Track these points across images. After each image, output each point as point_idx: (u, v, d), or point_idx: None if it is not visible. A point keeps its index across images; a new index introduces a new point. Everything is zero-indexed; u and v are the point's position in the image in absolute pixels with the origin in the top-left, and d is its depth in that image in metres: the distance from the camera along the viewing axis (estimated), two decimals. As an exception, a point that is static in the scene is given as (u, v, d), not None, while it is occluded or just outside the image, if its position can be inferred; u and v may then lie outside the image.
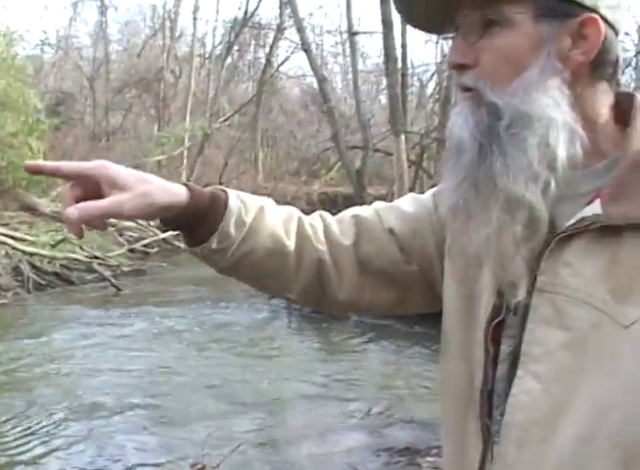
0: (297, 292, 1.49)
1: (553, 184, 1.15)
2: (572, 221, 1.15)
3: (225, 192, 1.40)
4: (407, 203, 1.55)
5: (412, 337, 11.54)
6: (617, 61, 1.21)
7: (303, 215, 1.52)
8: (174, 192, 1.30)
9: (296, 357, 10.42)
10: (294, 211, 1.52)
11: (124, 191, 1.24)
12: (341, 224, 1.52)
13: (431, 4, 1.24)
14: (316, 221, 1.52)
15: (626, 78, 22.96)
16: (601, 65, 1.19)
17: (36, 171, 1.24)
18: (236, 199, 1.40)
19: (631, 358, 1.07)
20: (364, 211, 1.55)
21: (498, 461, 1.21)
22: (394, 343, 11.32)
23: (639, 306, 1.08)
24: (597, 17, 1.15)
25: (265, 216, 1.43)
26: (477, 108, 1.20)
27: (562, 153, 1.15)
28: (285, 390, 8.88)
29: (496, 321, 1.24)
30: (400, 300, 1.54)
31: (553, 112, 1.15)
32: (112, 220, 1.29)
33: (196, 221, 1.34)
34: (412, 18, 1.31)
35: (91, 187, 1.24)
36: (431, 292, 1.52)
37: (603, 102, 1.22)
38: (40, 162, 1.19)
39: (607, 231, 1.12)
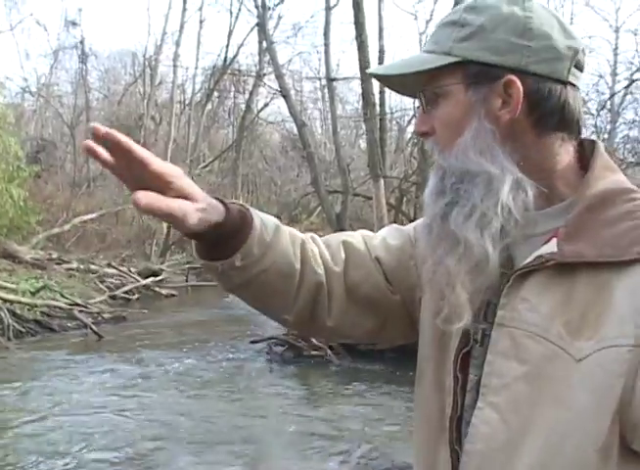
0: (293, 314, 1.51)
1: (504, 226, 1.25)
2: (530, 259, 1.23)
3: (248, 209, 1.41)
4: (392, 234, 1.61)
5: (391, 380, 11.55)
6: (565, 108, 1.28)
7: (303, 236, 1.55)
8: (220, 210, 1.33)
9: (276, 402, 10.39)
10: (296, 232, 1.54)
11: (191, 201, 1.26)
12: (330, 249, 1.55)
13: (403, 83, 1.40)
14: (312, 245, 1.54)
15: (601, 120, 23.23)
16: (541, 117, 1.27)
17: (123, 150, 1.18)
18: (257, 217, 1.41)
19: (582, 390, 1.13)
20: (352, 237, 1.59)
21: None
22: (373, 386, 11.31)
23: (590, 341, 1.14)
24: (514, 77, 1.25)
25: (281, 236, 1.45)
26: (437, 169, 1.35)
27: (507, 200, 1.24)
28: (265, 434, 8.86)
29: (464, 351, 1.32)
30: (380, 327, 1.58)
31: (490, 167, 1.25)
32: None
33: (224, 238, 1.35)
34: (391, 88, 1.49)
35: (155, 185, 1.22)
36: (409, 321, 1.56)
37: (556, 150, 1.30)
38: (132, 145, 1.18)
39: (562, 269, 1.20)
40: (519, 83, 1.25)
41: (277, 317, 1.58)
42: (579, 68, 1.29)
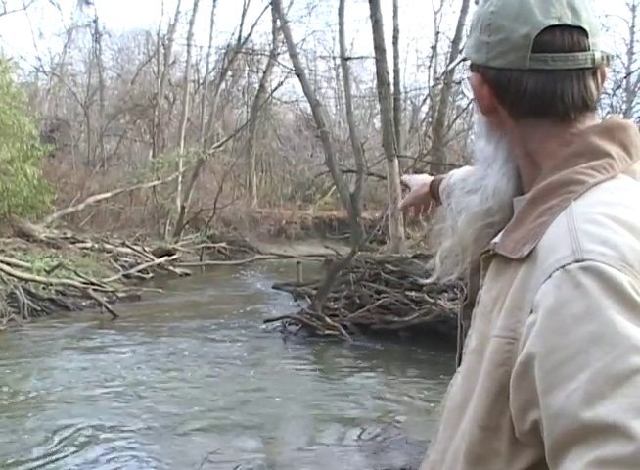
0: None
1: (492, 206, 1.39)
2: (488, 247, 1.31)
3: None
4: None
5: (407, 359, 11.58)
6: (529, 94, 1.29)
7: None
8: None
9: (290, 380, 10.42)
10: None
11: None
12: None
13: None
14: None
15: (617, 100, 23.11)
16: (511, 104, 1.33)
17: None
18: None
19: (481, 371, 1.23)
20: None
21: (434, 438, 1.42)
22: (389, 366, 11.35)
23: (494, 323, 1.22)
24: (473, 73, 1.36)
25: None
26: None
27: (489, 185, 1.38)
28: (281, 413, 8.88)
29: (464, 303, 1.47)
30: None
31: (483, 153, 1.42)
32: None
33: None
34: None
35: None
36: None
37: (537, 135, 1.32)
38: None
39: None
40: (477, 78, 1.35)
41: None
42: (552, 49, 1.26)
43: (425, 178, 2.31)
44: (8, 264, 15.66)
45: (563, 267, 1.08)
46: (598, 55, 1.27)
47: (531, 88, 1.28)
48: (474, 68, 1.37)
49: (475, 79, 1.36)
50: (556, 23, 1.25)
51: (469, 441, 1.22)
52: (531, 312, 1.12)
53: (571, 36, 1.26)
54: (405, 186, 2.47)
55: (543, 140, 1.31)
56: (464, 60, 1.42)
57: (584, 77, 1.27)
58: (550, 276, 1.09)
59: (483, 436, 1.20)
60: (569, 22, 1.25)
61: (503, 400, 1.16)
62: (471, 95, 1.42)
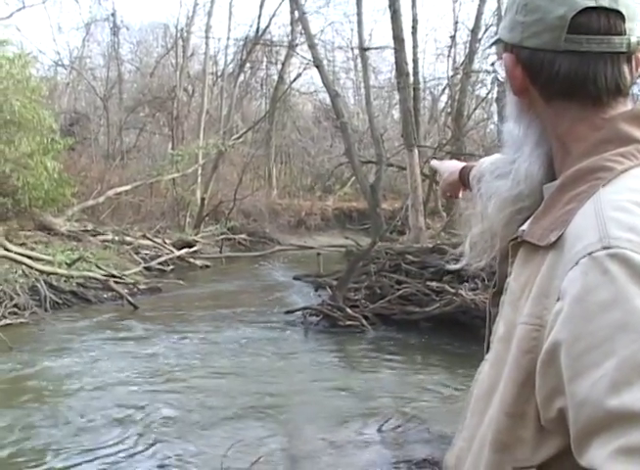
0: None
1: (510, 196, 1.39)
2: (516, 234, 1.30)
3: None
4: None
5: (428, 349, 11.57)
6: (562, 76, 1.27)
7: None
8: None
9: (311, 371, 10.43)
10: None
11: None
12: None
13: None
14: None
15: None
16: (543, 86, 1.32)
17: None
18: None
19: (509, 359, 1.21)
20: None
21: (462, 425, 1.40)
22: (410, 356, 11.33)
23: (522, 311, 1.21)
24: (507, 54, 1.35)
25: None
26: None
27: (520, 169, 1.36)
28: (303, 404, 8.90)
29: (493, 291, 1.46)
30: None
31: (512, 135, 1.42)
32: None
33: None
34: None
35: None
36: None
37: (567, 118, 1.30)
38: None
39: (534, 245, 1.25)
40: (511, 59, 1.34)
41: None
42: (587, 31, 1.24)
43: (455, 165, 2.28)
44: (29, 258, 15.75)
45: (590, 254, 1.07)
46: (634, 40, 1.24)
47: (564, 70, 1.26)
48: (508, 48, 1.35)
49: (508, 59, 1.34)
50: (592, 4, 1.23)
51: (495, 428, 1.22)
52: (558, 300, 1.11)
53: (608, 19, 1.23)
54: (433, 172, 2.51)
55: (573, 123, 1.29)
56: (498, 41, 1.39)
57: (618, 62, 1.25)
58: (577, 263, 1.08)
59: (510, 423, 1.19)
60: (605, 4, 1.23)
61: (529, 388, 1.15)
62: (502, 76, 1.40)
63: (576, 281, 1.07)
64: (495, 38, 1.44)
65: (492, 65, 1.46)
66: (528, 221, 1.29)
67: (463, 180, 2.16)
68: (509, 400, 1.19)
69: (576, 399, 1.03)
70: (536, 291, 1.18)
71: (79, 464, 6.89)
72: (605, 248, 1.06)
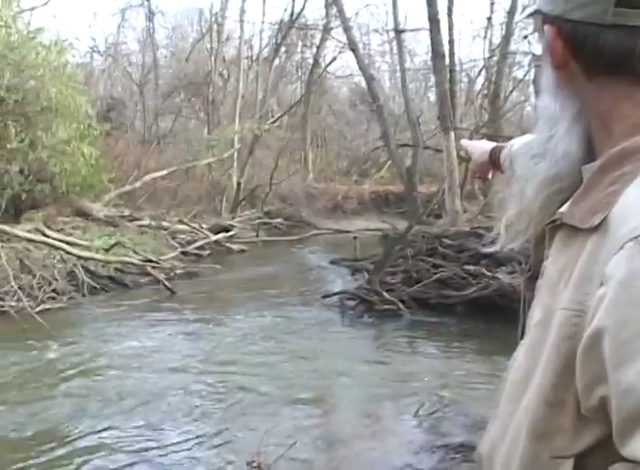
0: None
1: (547, 177, 1.31)
2: (555, 217, 1.24)
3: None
4: None
5: (465, 333, 11.53)
6: (608, 50, 1.19)
7: None
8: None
9: (349, 355, 10.40)
10: None
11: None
12: None
13: None
14: None
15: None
16: (586, 61, 1.24)
17: None
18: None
19: (547, 345, 1.17)
20: None
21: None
22: (447, 340, 11.28)
23: (561, 296, 1.16)
24: (549, 26, 1.26)
25: None
26: None
27: (557, 148, 1.29)
28: (339, 388, 8.93)
29: (528, 275, 1.42)
30: None
31: (548, 110, 1.32)
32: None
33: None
34: None
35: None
36: None
37: (611, 95, 1.23)
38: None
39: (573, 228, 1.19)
40: (552, 31, 1.26)
41: None
42: (636, 4, 1.17)
43: (485, 145, 2.25)
44: (67, 243, 15.85)
45: (636, 238, 1.02)
46: None
47: (610, 45, 1.19)
48: (548, 19, 1.27)
49: (550, 32, 1.26)
50: None
51: (532, 416, 1.18)
52: (601, 285, 1.05)
53: None
54: (465, 154, 2.47)
55: (617, 101, 1.22)
56: (536, 12, 1.32)
57: None
58: (622, 247, 1.03)
59: (548, 411, 1.15)
60: None
61: (569, 375, 1.11)
62: (539, 50, 1.34)
63: (622, 266, 1.02)
64: (533, 8, 1.36)
65: (526, 37, 1.39)
66: (567, 203, 1.23)
67: (493, 161, 2.14)
68: (547, 388, 1.15)
69: (621, 388, 0.98)
70: (577, 276, 1.13)
71: (128, 440, 7.06)
72: None
